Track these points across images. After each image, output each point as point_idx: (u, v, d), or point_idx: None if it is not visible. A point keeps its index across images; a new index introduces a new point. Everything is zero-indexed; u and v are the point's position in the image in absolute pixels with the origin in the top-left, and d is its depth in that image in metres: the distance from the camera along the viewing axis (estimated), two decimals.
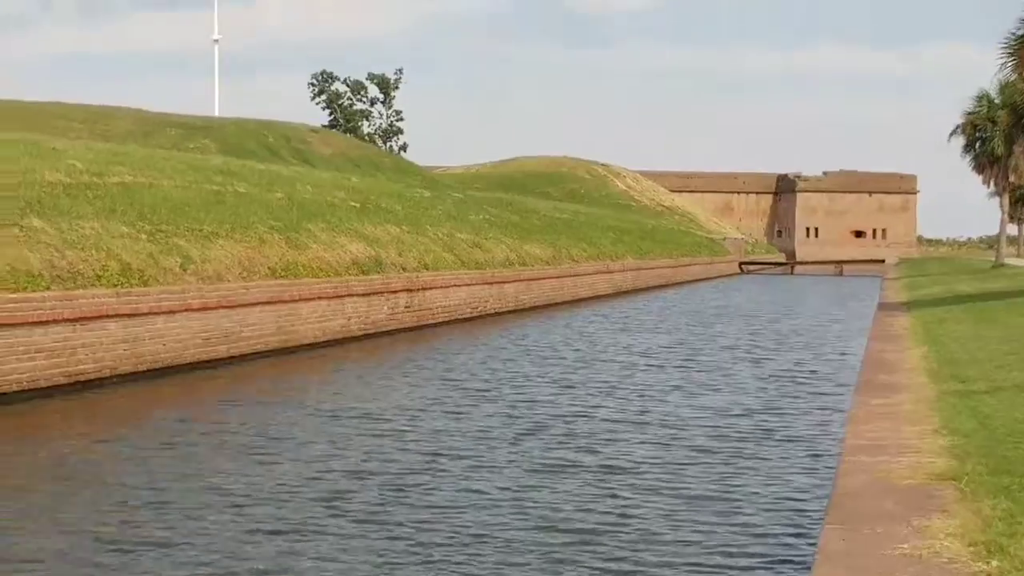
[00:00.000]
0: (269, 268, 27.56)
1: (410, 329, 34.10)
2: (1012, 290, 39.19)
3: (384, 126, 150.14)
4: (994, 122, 66.72)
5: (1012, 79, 34.44)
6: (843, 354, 29.51)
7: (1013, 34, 33.22)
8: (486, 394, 21.33)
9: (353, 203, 38.52)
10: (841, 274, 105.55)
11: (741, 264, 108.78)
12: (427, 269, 36.42)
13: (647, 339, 33.57)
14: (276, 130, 62.77)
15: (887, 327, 28.62)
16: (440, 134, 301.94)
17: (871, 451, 11.67)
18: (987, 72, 71.53)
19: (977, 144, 70.39)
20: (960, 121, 70.93)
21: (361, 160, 64.06)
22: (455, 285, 37.85)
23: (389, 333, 32.64)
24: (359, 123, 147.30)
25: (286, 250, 29.21)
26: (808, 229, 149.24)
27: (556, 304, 49.03)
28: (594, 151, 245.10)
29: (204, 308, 23.74)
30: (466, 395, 21.13)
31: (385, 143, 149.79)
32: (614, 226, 76.21)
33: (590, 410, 19.73)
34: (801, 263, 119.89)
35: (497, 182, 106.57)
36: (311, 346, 28.20)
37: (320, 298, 28.84)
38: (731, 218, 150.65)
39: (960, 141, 71.36)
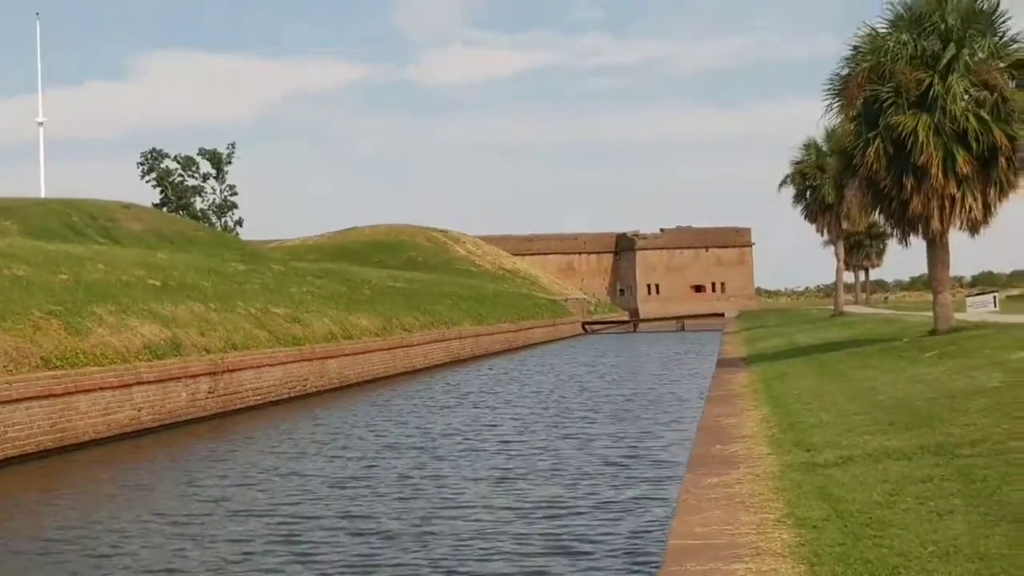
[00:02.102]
0: (42, 358, 24.38)
1: (217, 416, 31.08)
2: (853, 339, 37.87)
3: (218, 201, 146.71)
4: (823, 170, 66.51)
5: (839, 121, 33.07)
6: (675, 421, 27.31)
7: (837, 74, 32.16)
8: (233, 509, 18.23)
9: (153, 281, 35.44)
10: (683, 329, 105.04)
11: (584, 324, 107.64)
12: (235, 349, 33.45)
13: (468, 415, 30.94)
14: (82, 208, 59.22)
15: (725, 386, 26.68)
16: (279, 208, 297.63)
17: (699, 555, 9.37)
18: (815, 125, 72.33)
19: (807, 193, 70.14)
20: (789, 171, 70.63)
21: (175, 236, 60.75)
22: (268, 364, 34.91)
23: (192, 422, 29.60)
24: (191, 199, 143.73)
25: (64, 336, 26.04)
26: (649, 286, 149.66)
27: (389, 377, 46.35)
28: (437, 219, 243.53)
29: None
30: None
31: (219, 219, 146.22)
32: (451, 292, 73.92)
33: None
34: (643, 320, 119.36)
35: (333, 253, 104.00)
36: (94, 443, 25.03)
37: (102, 388, 25.69)
38: (574, 278, 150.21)
39: (791, 191, 71.05)
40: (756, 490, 12.08)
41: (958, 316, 35.53)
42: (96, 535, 15.73)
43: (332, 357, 40.50)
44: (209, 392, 31.04)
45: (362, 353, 43.90)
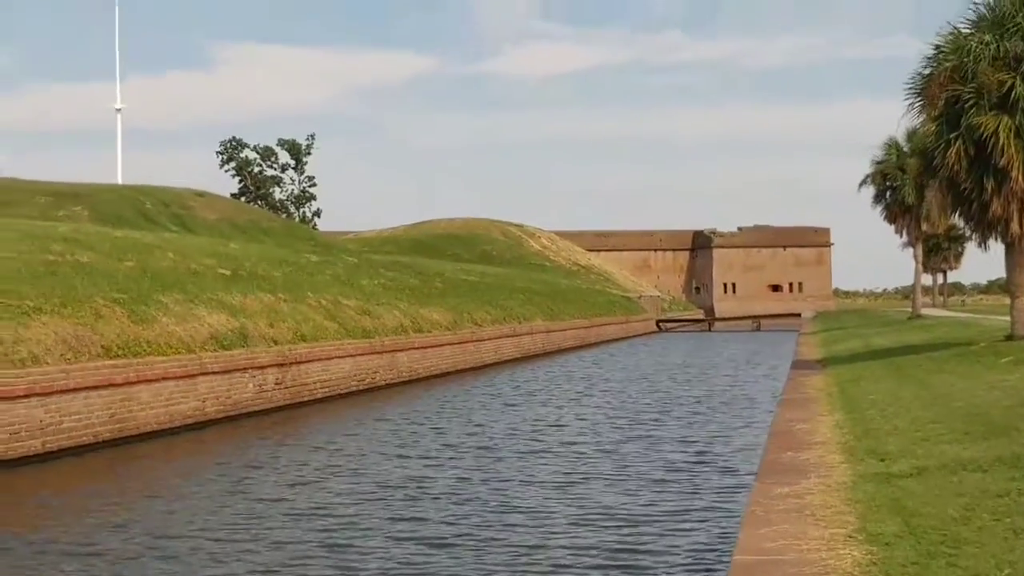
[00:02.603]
0: (103, 347, 24.24)
1: (284, 408, 30.91)
2: (930, 343, 36.93)
3: (296, 192, 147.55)
4: (903, 170, 65.32)
5: (920, 120, 32.23)
6: (747, 425, 26.62)
7: (919, 73, 31.41)
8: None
9: (223, 270, 35.36)
10: (759, 329, 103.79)
11: (658, 322, 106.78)
12: (304, 340, 33.25)
13: (532, 413, 30.42)
14: (155, 195, 59.44)
15: (799, 389, 25.96)
16: (356, 200, 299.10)
17: (766, 573, 8.85)
18: (895, 125, 71.10)
19: (887, 194, 68.84)
20: (870, 171, 69.39)
21: (248, 225, 60.78)
22: (337, 356, 34.70)
23: (257, 414, 29.41)
24: (270, 190, 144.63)
25: (127, 325, 25.91)
26: (725, 285, 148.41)
27: (458, 371, 46.05)
28: (513, 214, 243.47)
29: (9, 397, 20.41)
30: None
31: (298, 209, 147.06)
32: (524, 287, 73.53)
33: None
34: (719, 319, 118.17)
35: (407, 245, 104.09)
36: (155, 434, 24.88)
37: (165, 378, 25.50)
38: (649, 276, 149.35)
39: (871, 191, 69.82)
40: (828, 501, 11.51)
41: None
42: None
43: (402, 350, 40.25)
44: (276, 384, 30.87)
45: (432, 347, 43.62)
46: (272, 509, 16.85)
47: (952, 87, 29.81)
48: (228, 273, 35.40)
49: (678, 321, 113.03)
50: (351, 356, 35.70)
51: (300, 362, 32.15)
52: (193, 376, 26.77)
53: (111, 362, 23.86)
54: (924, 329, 49.01)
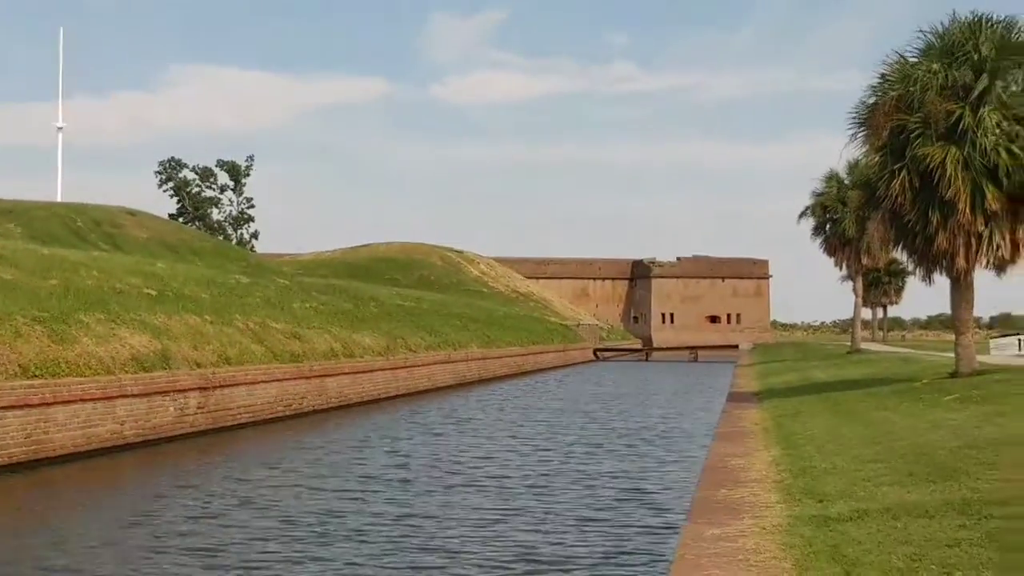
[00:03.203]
0: (20, 366, 23.22)
1: (206, 432, 29.91)
2: (870, 378, 36.53)
3: (235, 213, 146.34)
4: (844, 203, 65.17)
5: (863, 151, 31.76)
6: (679, 460, 25.86)
7: (863, 103, 30.95)
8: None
9: (149, 290, 34.31)
10: (696, 360, 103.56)
11: (596, 351, 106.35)
12: (229, 363, 32.27)
13: (460, 443, 29.46)
14: (87, 213, 58.16)
15: (735, 423, 25.40)
16: (296, 223, 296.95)
17: None
18: (837, 159, 71.33)
19: (827, 226, 68.80)
20: (810, 202, 69.36)
21: (179, 245, 59.64)
22: (263, 381, 33.72)
23: (178, 438, 28.41)
24: (208, 210, 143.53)
25: (47, 344, 24.88)
26: (664, 315, 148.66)
27: (391, 398, 45.14)
28: (454, 240, 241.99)
29: None
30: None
31: (235, 231, 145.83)
32: (461, 313, 72.77)
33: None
34: (656, 349, 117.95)
35: (344, 269, 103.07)
36: (72, 456, 23.85)
37: (83, 400, 24.51)
38: (588, 304, 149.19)
39: (810, 223, 69.72)
40: (762, 546, 10.85)
41: (981, 359, 34.14)
42: None
43: (331, 375, 39.31)
44: (199, 408, 29.88)
45: (363, 372, 42.71)
46: (167, 543, 15.81)
47: (898, 116, 29.30)
48: (154, 293, 34.37)
49: (616, 350, 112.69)
50: (278, 380, 34.75)
51: (223, 386, 31.18)
52: (112, 398, 25.76)
53: (27, 382, 22.85)
54: (864, 364, 48.75)
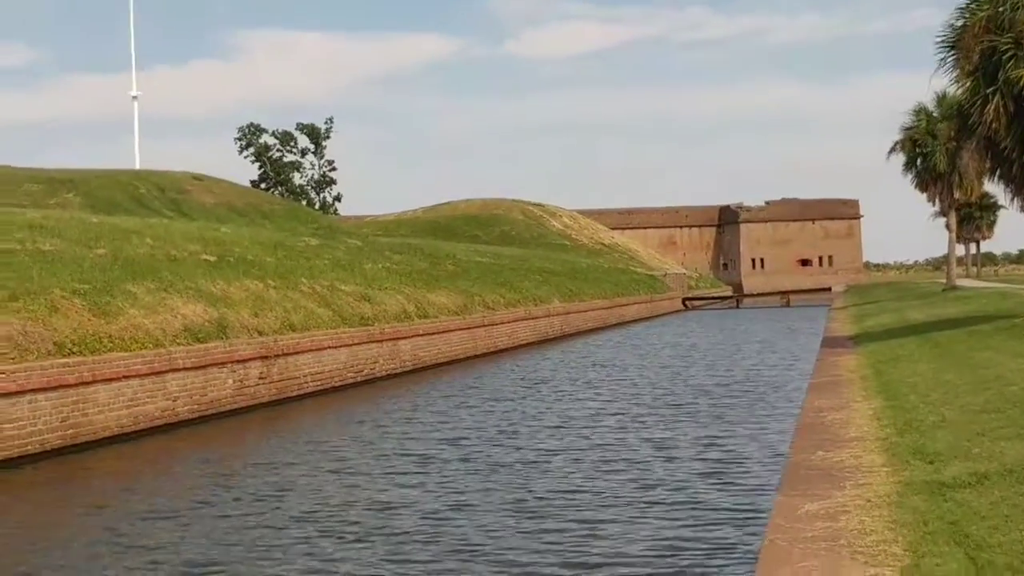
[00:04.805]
0: (55, 343, 21.81)
1: (271, 404, 28.51)
2: (970, 316, 34.20)
3: (316, 177, 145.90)
4: (934, 136, 62.72)
5: (953, 76, 29.47)
6: (771, 417, 23.71)
7: (951, 25, 28.84)
8: None
9: (208, 256, 32.87)
10: (788, 305, 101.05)
11: (685, 300, 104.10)
12: (293, 330, 30.79)
13: (528, 409, 27.10)
14: (150, 180, 57.01)
15: (831, 371, 23.35)
16: (378, 185, 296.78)
17: None
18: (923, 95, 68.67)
19: (918, 161, 65.95)
20: (899, 137, 66.48)
21: (247, 209, 58.36)
22: (330, 347, 32.18)
23: (239, 412, 27.00)
24: (290, 175, 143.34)
25: (87, 318, 23.44)
26: (754, 260, 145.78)
27: (470, 358, 43.55)
28: (538, 195, 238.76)
29: None
30: None
31: (318, 194, 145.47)
32: (541, 267, 70.89)
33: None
34: (747, 295, 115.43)
35: (424, 228, 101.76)
36: (116, 438, 22.44)
37: (127, 377, 23.02)
38: (675, 253, 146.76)
39: (900, 160, 66.92)
40: (867, 524, 8.97)
41: None
42: None
43: (404, 338, 37.71)
44: (261, 378, 28.43)
45: (438, 333, 41.08)
46: (150, 550, 13.70)
47: (988, 38, 27.49)
48: (213, 259, 32.91)
49: (705, 299, 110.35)
50: (346, 346, 33.19)
51: (287, 354, 29.69)
52: (161, 373, 24.27)
53: (62, 360, 21.39)
54: (962, 301, 46.21)
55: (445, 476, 17.95)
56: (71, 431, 21.19)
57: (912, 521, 8.88)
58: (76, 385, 21.39)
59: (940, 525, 8.62)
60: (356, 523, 14.57)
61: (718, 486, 16.36)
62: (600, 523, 14.18)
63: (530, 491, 16.36)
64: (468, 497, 16.05)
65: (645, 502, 15.43)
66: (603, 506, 15.18)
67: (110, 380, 22.44)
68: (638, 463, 18.59)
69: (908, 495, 9.88)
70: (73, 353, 21.91)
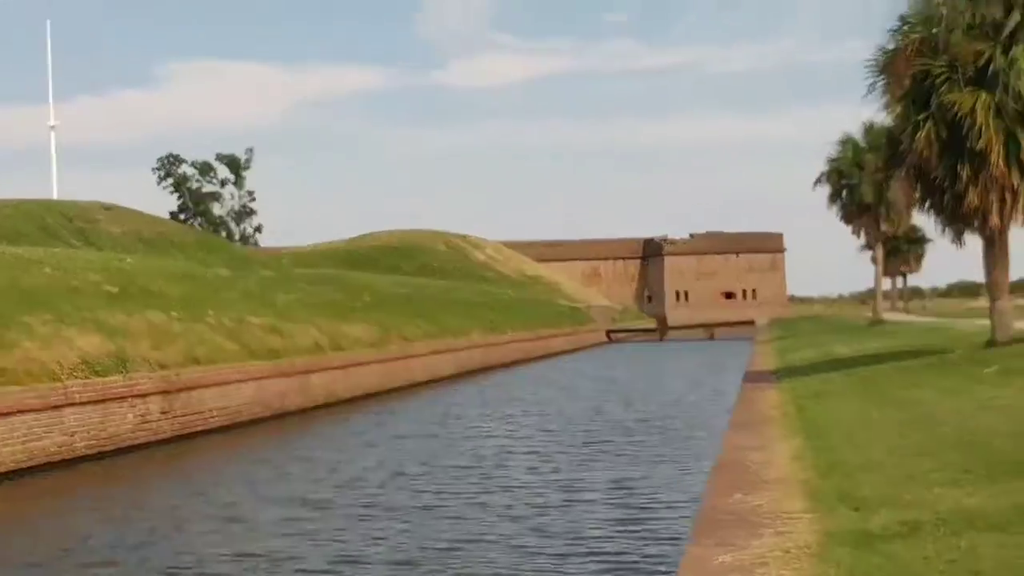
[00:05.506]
0: None
1: (174, 439, 27.29)
2: (897, 351, 33.71)
3: (237, 207, 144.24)
4: (860, 167, 62.74)
5: (883, 101, 28.91)
6: (694, 457, 22.85)
7: (882, 48, 28.32)
8: None
9: (109, 287, 31.57)
10: (712, 338, 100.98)
11: (609, 333, 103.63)
12: (198, 363, 29.61)
13: (440, 446, 26.21)
14: (58, 210, 55.55)
15: (752, 406, 22.62)
16: (302, 216, 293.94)
17: None
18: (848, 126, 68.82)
19: (843, 192, 66.09)
20: (825, 168, 66.49)
21: (157, 239, 56.95)
22: (236, 381, 31.01)
23: (141, 447, 25.80)
24: (209, 205, 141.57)
25: None
26: (678, 293, 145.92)
27: (387, 392, 42.42)
28: (461, 226, 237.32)
29: None
30: None
31: (238, 225, 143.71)
32: (463, 299, 70.01)
33: None
34: (671, 328, 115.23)
35: (344, 258, 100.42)
36: (11, 474, 21.25)
37: (21, 411, 21.82)
38: (600, 285, 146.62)
39: (826, 191, 66.91)
40: None
41: (1019, 325, 31.27)
42: None
43: (315, 371, 36.57)
44: (163, 413, 27.22)
45: (352, 366, 39.97)
46: None
47: (921, 61, 26.98)
48: (115, 290, 31.60)
49: (629, 331, 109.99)
50: (254, 379, 32.03)
51: (190, 388, 28.49)
52: (57, 408, 23.09)
53: None
54: (888, 335, 45.93)
55: (334, 525, 16.77)
56: None
57: None
58: None
59: None
60: None
61: (625, 534, 15.34)
62: None
63: (421, 545, 15.05)
64: (352, 550, 14.86)
65: (547, 555, 14.31)
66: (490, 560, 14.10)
67: (4, 415, 21.20)
68: (544, 508, 17.58)
69: (832, 546, 9.04)
70: None
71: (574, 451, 24.58)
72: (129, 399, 25.85)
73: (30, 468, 22.02)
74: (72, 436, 23.56)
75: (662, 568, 13.03)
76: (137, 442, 25.93)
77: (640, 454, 23.50)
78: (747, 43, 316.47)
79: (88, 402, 24.25)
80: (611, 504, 17.67)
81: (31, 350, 23.91)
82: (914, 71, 26.92)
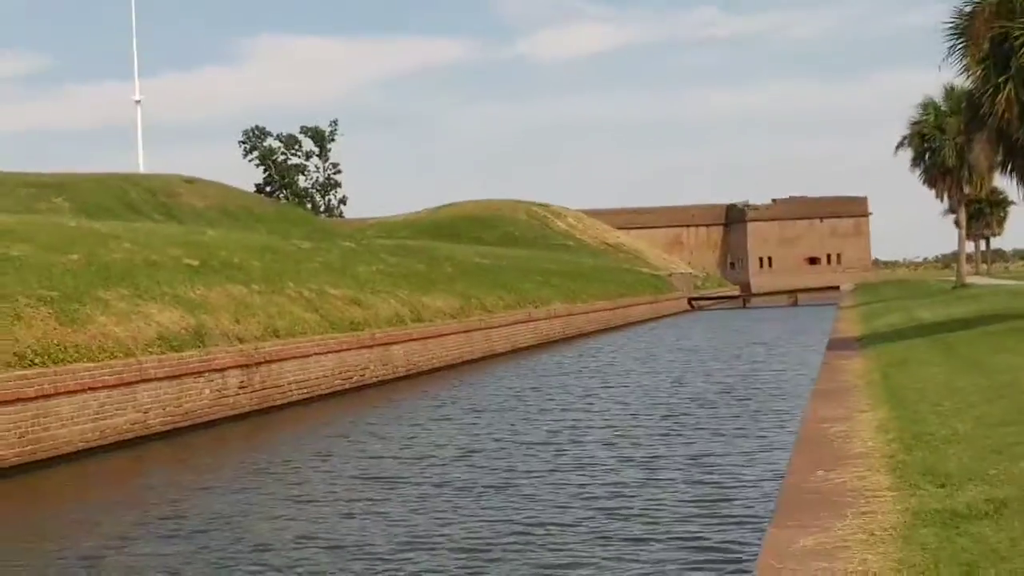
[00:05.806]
0: (16, 354, 20.65)
1: (252, 414, 27.34)
2: (981, 315, 32.89)
3: (321, 179, 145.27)
4: (942, 130, 61.52)
5: (962, 64, 28.18)
6: (778, 427, 22.40)
7: (960, 11, 27.61)
8: None
9: (189, 261, 31.69)
10: (796, 304, 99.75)
11: (690, 300, 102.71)
12: (277, 336, 29.63)
13: (511, 421, 25.57)
14: (141, 184, 56.03)
15: (836, 375, 22.11)
16: (385, 188, 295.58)
17: None
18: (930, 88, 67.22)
19: (926, 155, 64.78)
20: (907, 132, 65.23)
21: (239, 212, 57.19)
22: (316, 353, 31.00)
23: (218, 423, 25.85)
24: (295, 178, 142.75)
25: (52, 327, 22.29)
26: (761, 259, 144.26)
27: (466, 363, 42.35)
28: (544, 197, 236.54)
29: None
30: None
31: (323, 197, 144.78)
32: (544, 268, 69.62)
33: None
34: (754, 294, 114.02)
35: (427, 229, 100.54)
36: (81, 454, 21.29)
37: (93, 388, 21.85)
38: (682, 252, 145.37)
39: (908, 154, 65.68)
40: (870, 565, 7.74)
41: None
42: None
43: (396, 343, 36.51)
44: (241, 387, 27.25)
45: (433, 337, 39.87)
46: None
47: (999, 23, 26.30)
48: (195, 264, 31.71)
49: (711, 298, 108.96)
50: (334, 352, 31.99)
51: (269, 361, 28.50)
52: (131, 384, 23.10)
53: (19, 373, 20.23)
54: (973, 300, 44.89)
55: (406, 504, 16.50)
56: (29, 447, 20.00)
57: (921, 562, 7.66)
58: (35, 398, 20.20)
59: (954, 568, 7.40)
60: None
61: (705, 516, 14.89)
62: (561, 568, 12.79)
63: (495, 528, 14.64)
64: (421, 533, 14.54)
65: (621, 539, 13.89)
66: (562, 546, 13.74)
67: (74, 392, 21.27)
68: (619, 485, 17.22)
69: (917, 527, 8.66)
70: (35, 364, 20.73)
71: (652, 424, 24.17)
72: (206, 374, 25.86)
73: (104, 446, 22.01)
74: (146, 413, 23.58)
75: (743, 555, 12.62)
76: (215, 417, 25.97)
77: (722, 428, 23.04)
78: (827, 7, 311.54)
79: (163, 377, 24.25)
80: (691, 482, 17.24)
81: (106, 325, 23.96)
82: (993, 33, 26.40)
